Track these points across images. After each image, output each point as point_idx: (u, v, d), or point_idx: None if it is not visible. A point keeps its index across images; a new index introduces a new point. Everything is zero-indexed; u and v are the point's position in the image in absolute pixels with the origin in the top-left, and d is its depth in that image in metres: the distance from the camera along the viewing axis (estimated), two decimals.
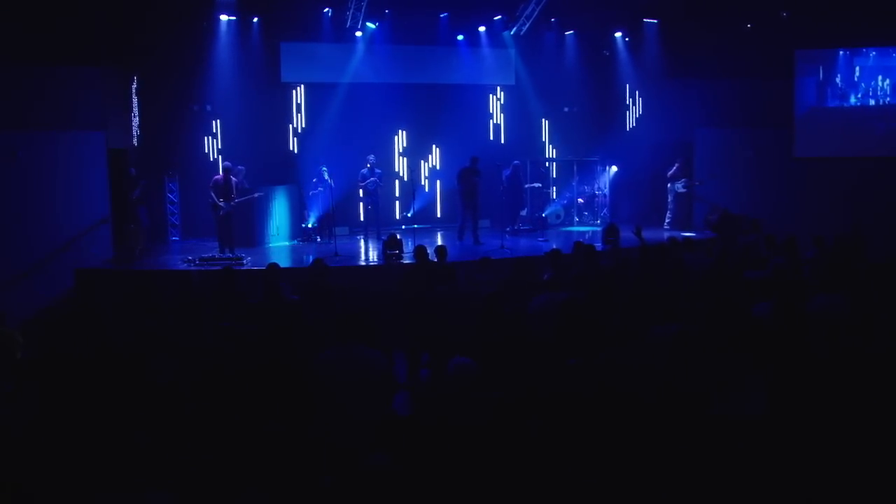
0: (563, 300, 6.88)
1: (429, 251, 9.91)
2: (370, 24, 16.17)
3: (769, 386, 5.34)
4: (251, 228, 14.37)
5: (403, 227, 16.57)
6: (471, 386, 4.70)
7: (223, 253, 12.74)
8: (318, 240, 15.22)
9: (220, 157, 16.11)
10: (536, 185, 17.11)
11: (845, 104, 15.93)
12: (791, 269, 8.80)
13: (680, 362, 5.47)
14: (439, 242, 15.30)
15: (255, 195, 13.81)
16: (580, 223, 17.62)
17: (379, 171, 15.47)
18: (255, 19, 15.56)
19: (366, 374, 5.16)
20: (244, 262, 12.11)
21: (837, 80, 15.92)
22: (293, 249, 14.42)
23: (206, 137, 16.27)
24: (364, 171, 15.24)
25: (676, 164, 16.30)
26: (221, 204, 12.86)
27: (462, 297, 8.07)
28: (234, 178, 13.24)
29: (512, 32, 17.28)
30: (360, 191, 15.38)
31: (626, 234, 13.89)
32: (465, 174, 14.57)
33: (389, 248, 12.08)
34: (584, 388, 5.58)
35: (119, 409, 5.17)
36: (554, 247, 12.95)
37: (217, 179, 13.01)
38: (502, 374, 6.07)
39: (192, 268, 11.91)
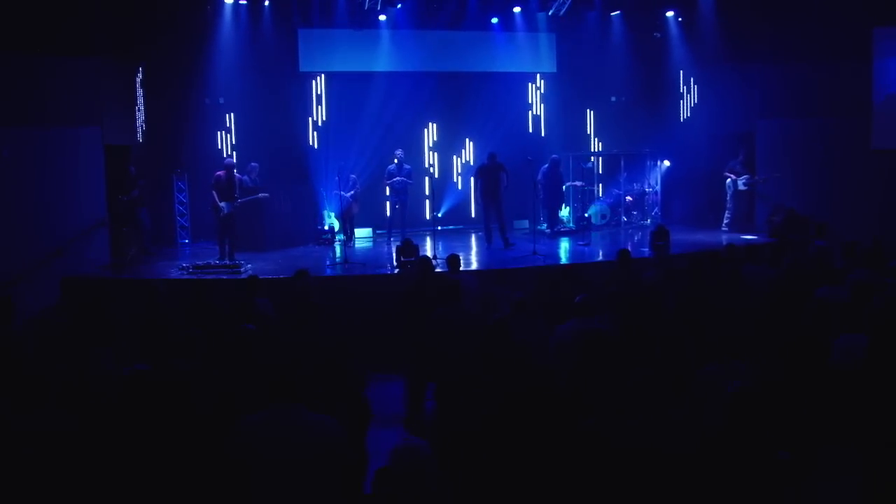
0: (592, 332, 5.40)
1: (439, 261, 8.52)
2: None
3: (866, 468, 3.81)
4: (261, 231, 13.40)
5: (440, 227, 15.29)
6: (420, 477, 3.29)
7: (222, 259, 11.56)
8: (338, 243, 13.98)
9: (234, 153, 15.06)
10: (578, 183, 15.58)
11: None
12: (876, 287, 7.10)
13: (739, 431, 3.95)
14: (473, 246, 14.18)
15: (260, 195, 12.66)
16: (628, 224, 16.05)
17: (408, 167, 14.23)
18: (266, 3, 14.36)
19: (306, 446, 3.77)
20: (242, 270, 10.91)
21: None
22: (306, 254, 13.17)
23: (218, 132, 15.24)
24: (391, 167, 14.06)
25: (739, 158, 14.61)
26: (222, 205, 11.70)
27: (467, 320, 6.61)
28: (238, 176, 12.08)
29: (550, 13, 15.82)
30: (387, 189, 14.12)
31: (677, 236, 12.33)
32: (484, 171, 13.25)
33: (404, 254, 10.70)
34: (600, 461, 4.13)
35: None
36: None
37: (219, 177, 11.89)
38: (500, 431, 4.67)
39: (186, 276, 10.76)
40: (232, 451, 3.80)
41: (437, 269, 9.73)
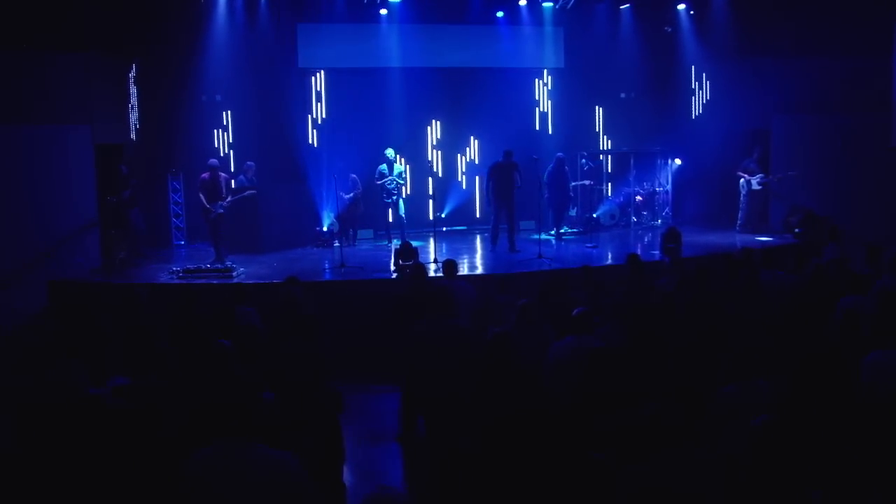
0: (590, 351, 4.91)
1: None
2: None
3: None
4: (257, 232, 12.98)
5: (445, 228, 14.79)
6: None
7: (216, 263, 11.14)
8: (338, 245, 13.53)
9: (231, 151, 14.66)
10: (586, 182, 15.10)
11: None
12: None
13: (765, 467, 3.48)
14: (477, 248, 13.71)
15: (248, 193, 12.30)
16: (638, 224, 15.55)
17: (400, 168, 13.82)
18: None
19: (258, 489, 3.31)
20: (234, 274, 10.47)
21: None
22: (303, 256, 12.74)
23: (215, 131, 14.83)
24: (382, 167, 13.58)
25: (754, 156, 14.11)
26: (209, 207, 11.30)
27: (454, 334, 6.08)
28: (224, 176, 11.71)
29: (557, 6, 15.36)
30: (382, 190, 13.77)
31: (689, 237, 11.82)
32: (498, 170, 12.73)
33: (402, 257, 10.24)
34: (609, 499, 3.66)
35: None
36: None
37: (203, 179, 11.59)
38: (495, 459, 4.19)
39: (175, 280, 10.32)
40: (176, 492, 3.35)
41: (438, 275, 9.29)
